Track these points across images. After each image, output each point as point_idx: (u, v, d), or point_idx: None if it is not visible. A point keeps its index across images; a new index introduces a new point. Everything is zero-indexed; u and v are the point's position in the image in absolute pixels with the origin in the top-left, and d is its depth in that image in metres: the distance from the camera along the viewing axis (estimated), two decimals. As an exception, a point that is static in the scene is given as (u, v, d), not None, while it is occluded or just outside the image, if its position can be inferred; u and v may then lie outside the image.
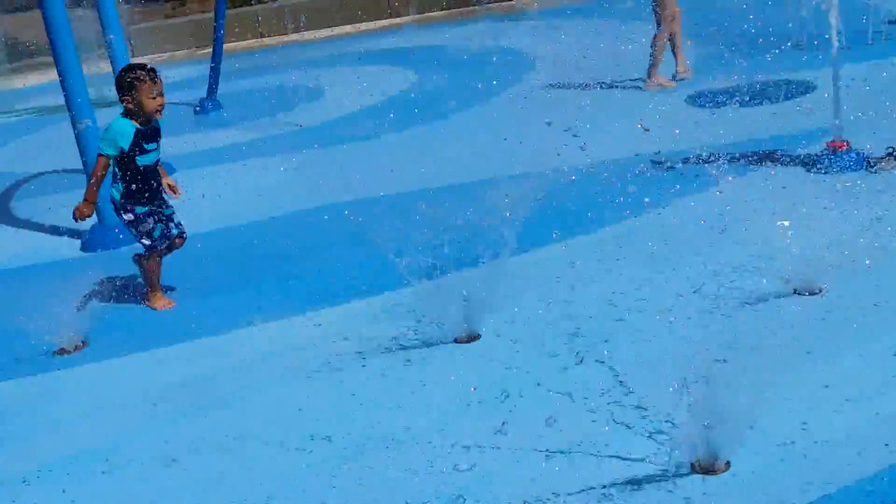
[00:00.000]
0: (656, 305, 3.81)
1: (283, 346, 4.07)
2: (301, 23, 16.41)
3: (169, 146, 7.89)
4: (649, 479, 2.75)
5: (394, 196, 5.51)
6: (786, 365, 3.07)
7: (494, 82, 9.17)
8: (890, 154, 4.96)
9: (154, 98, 4.39)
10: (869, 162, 4.99)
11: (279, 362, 3.92)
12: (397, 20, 16.71)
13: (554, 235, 4.65)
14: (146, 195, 4.53)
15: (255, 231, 5.78)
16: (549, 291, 4.15)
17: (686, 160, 5.49)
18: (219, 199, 6.46)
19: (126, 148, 4.40)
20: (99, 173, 4.45)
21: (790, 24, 7.66)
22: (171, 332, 4.37)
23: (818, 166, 5.06)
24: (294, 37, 16.41)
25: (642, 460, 2.83)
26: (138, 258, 4.68)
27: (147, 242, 4.56)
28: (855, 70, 6.25)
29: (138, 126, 4.43)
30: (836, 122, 5.15)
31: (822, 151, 5.14)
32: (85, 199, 4.53)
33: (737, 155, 5.37)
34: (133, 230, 4.57)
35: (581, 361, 3.50)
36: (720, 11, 9.12)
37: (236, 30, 16.02)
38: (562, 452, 2.94)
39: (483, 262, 4.18)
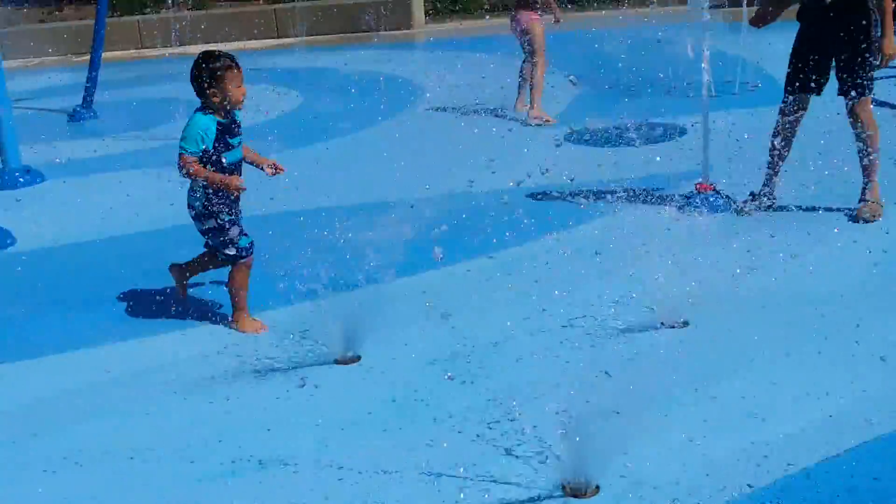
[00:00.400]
0: (534, 334, 3.92)
1: (159, 363, 3.96)
2: (186, 36, 16.07)
3: (40, 154, 7.64)
4: (522, 501, 2.82)
5: (273, 215, 5.46)
6: (654, 393, 3.22)
7: (381, 107, 9.27)
8: (752, 197, 5.28)
9: (239, 87, 4.07)
10: (733, 204, 5.30)
11: (154, 378, 3.81)
12: (286, 40, 16.61)
13: (436, 260, 4.70)
14: (231, 198, 4.13)
15: (132, 244, 5.59)
16: (430, 315, 4.19)
17: (564, 196, 5.69)
18: (91, 211, 6.23)
19: (210, 147, 4.04)
20: (197, 168, 4.00)
21: (667, 72, 8.06)
22: (45, 345, 4.19)
23: (687, 207, 5.33)
24: (178, 50, 16.02)
25: (517, 483, 2.89)
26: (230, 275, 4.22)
27: (232, 252, 4.15)
28: (724, 117, 6.63)
29: (220, 120, 4.07)
30: (704, 165, 5.46)
31: (690, 193, 5.43)
32: (217, 182, 4.02)
33: (611, 193, 5.60)
34: (215, 239, 4.16)
35: (460, 384, 3.54)
36: (603, 57, 9.54)
37: (116, 39, 15.54)
38: (438, 475, 2.97)
39: (365, 285, 4.19)
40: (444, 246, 4.94)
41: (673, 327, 3.91)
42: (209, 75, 4.00)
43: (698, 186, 5.42)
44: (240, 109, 4.16)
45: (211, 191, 4.07)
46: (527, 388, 3.43)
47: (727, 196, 5.38)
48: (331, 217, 5.50)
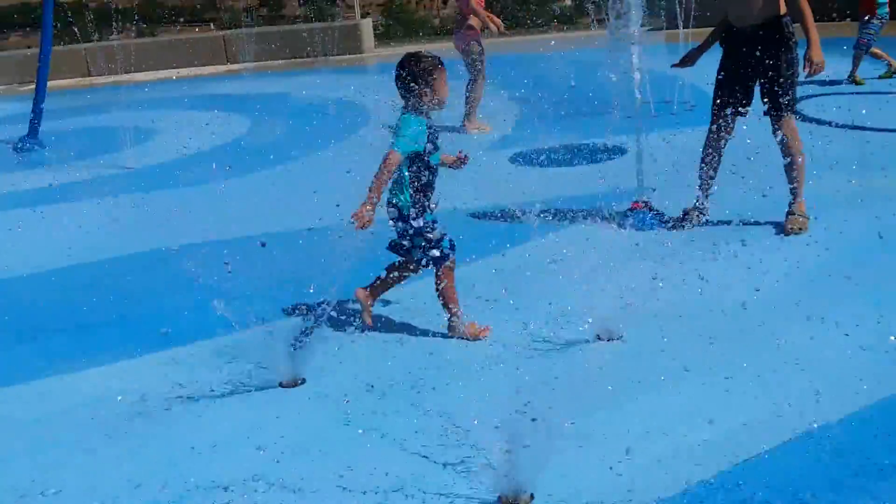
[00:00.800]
0: (470, 351, 4.03)
1: (99, 393, 3.97)
2: (134, 63, 16.06)
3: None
4: (458, 513, 2.92)
5: (217, 242, 5.52)
6: (588, 405, 3.34)
7: (330, 131, 9.39)
8: (684, 214, 5.47)
9: (445, 86, 4.08)
10: (666, 221, 5.48)
11: (89, 412, 3.80)
12: (236, 66, 16.68)
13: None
14: (431, 199, 4.11)
15: (74, 275, 5.60)
16: (372, 336, 4.28)
17: (501, 215, 5.83)
18: (37, 242, 6.23)
19: (422, 148, 4.01)
20: (390, 171, 3.97)
21: (607, 93, 8.29)
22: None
23: (622, 224, 5.50)
24: (125, 77, 16.00)
25: (454, 495, 2.99)
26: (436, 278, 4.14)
27: (437, 253, 4.08)
28: (662, 136, 6.85)
29: (427, 121, 4.06)
30: (639, 183, 5.65)
31: (626, 210, 5.61)
32: (368, 202, 3.94)
33: (547, 212, 5.75)
34: (422, 240, 4.09)
35: (401, 403, 3.63)
36: (546, 77, 9.76)
37: (63, 68, 15.45)
38: (375, 491, 3.05)
39: (309, 308, 4.27)
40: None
41: (607, 340, 4.04)
42: (421, 75, 4.00)
43: (633, 204, 5.60)
44: (442, 109, 4.18)
45: (412, 190, 4.05)
46: (465, 403, 3.52)
47: (661, 213, 5.57)
48: (278, 241, 5.60)
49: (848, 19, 11.48)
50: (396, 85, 4.11)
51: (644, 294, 4.40)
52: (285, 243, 5.35)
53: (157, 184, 7.93)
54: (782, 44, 4.95)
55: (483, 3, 8.93)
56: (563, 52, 11.08)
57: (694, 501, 2.86)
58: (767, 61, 4.96)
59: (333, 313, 4.23)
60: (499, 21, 9.12)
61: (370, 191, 3.95)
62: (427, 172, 4.07)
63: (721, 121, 5.25)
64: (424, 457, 3.24)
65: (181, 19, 32.05)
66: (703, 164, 5.37)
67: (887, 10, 9.55)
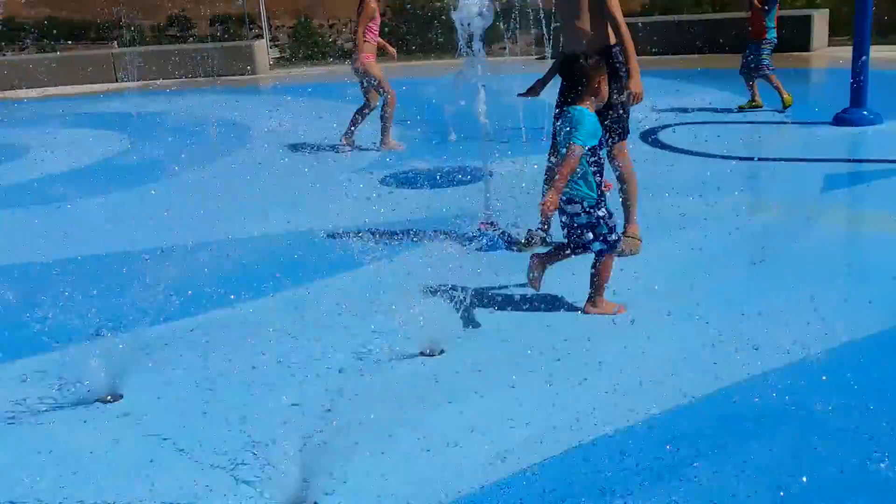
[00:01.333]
0: (294, 369, 4.07)
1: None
2: (24, 79, 15.69)
3: None
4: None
5: (63, 261, 5.47)
6: (394, 419, 3.45)
7: (208, 151, 9.37)
8: (529, 234, 5.65)
9: (607, 85, 4.50)
10: (511, 242, 5.66)
11: None
12: (127, 84, 16.43)
13: (191, 310, 4.77)
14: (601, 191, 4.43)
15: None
16: (195, 357, 4.27)
17: (357, 235, 5.92)
18: None
19: (597, 142, 4.34)
20: (575, 164, 4.27)
21: (474, 119, 8.51)
22: None
23: (470, 244, 5.65)
24: (9, 94, 15.61)
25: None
26: (599, 261, 4.47)
27: (615, 237, 4.44)
28: (523, 161, 7.06)
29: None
30: (485, 205, 5.83)
31: (475, 231, 5.76)
32: (557, 192, 4.28)
33: (397, 233, 5.89)
34: (605, 227, 4.40)
35: (214, 420, 3.65)
36: (421, 104, 9.95)
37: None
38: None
39: (134, 326, 4.27)
40: (234, 286, 5.10)
41: (431, 355, 4.15)
42: (594, 68, 4.38)
43: (481, 225, 5.77)
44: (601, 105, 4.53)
45: (593, 180, 4.36)
46: (272, 413, 3.57)
47: (507, 233, 5.74)
48: (128, 260, 5.57)
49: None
50: (567, 80, 4.55)
51: (475, 310, 4.58)
52: (126, 264, 5.34)
53: (19, 201, 7.80)
54: (612, 73, 5.16)
55: (377, 33, 9.24)
56: (441, 77, 11.32)
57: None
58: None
59: (161, 331, 4.23)
60: (392, 50, 9.58)
61: (557, 182, 4.27)
62: (600, 163, 4.43)
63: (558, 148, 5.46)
64: (225, 471, 3.27)
65: (82, 36, 31.35)
66: (544, 189, 5.55)
67: (776, 33, 10.01)
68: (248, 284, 5.04)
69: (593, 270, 4.50)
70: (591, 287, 4.53)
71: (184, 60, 16.51)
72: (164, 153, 9.38)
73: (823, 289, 4.59)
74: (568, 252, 4.59)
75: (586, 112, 4.37)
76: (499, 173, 6.00)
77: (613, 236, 4.45)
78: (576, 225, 4.45)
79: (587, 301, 4.54)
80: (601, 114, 5.13)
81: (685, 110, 10.41)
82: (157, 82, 16.07)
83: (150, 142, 10.25)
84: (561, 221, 4.57)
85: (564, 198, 4.39)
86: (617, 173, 5.41)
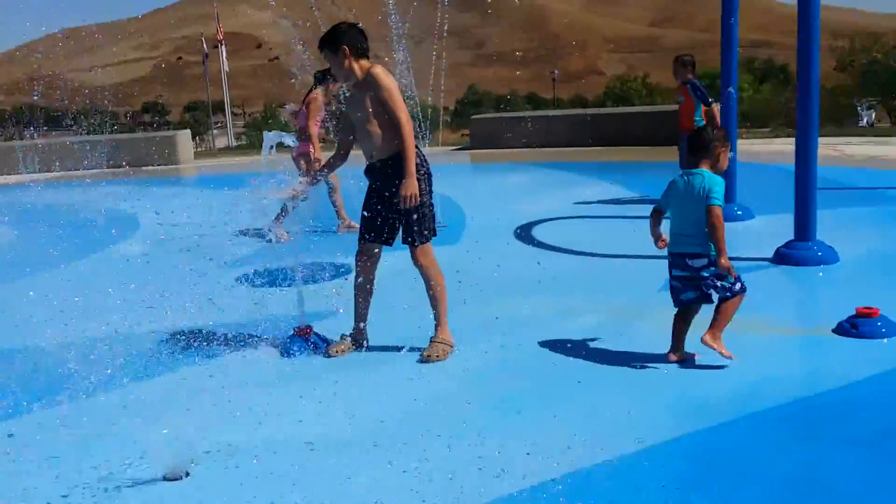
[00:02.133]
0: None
1: None
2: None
3: None
4: None
5: None
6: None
7: (87, 245, 9.23)
8: (342, 339, 5.47)
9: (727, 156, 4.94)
10: (325, 347, 5.48)
11: None
12: (36, 176, 16.36)
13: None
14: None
15: None
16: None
17: (172, 336, 5.73)
18: None
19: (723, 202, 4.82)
20: (723, 224, 4.72)
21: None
22: None
23: (284, 350, 5.46)
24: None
25: None
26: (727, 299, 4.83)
27: (738, 287, 4.84)
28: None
29: None
30: (301, 310, 5.68)
31: (290, 336, 5.58)
32: (725, 256, 4.73)
33: (207, 337, 5.71)
34: (731, 277, 4.79)
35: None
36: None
37: None
38: None
39: None
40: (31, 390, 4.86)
41: (175, 480, 3.91)
42: (713, 143, 4.86)
43: (296, 330, 5.59)
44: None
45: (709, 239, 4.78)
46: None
47: (323, 338, 5.56)
48: None
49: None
50: (694, 151, 4.94)
51: (241, 427, 4.36)
52: None
53: None
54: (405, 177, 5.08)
55: (320, 125, 9.41)
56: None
57: None
58: (394, 194, 5.09)
59: None
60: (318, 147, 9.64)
61: (720, 244, 4.71)
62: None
63: (367, 248, 5.34)
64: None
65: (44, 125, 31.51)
66: (356, 291, 5.41)
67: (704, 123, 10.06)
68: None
69: (721, 307, 4.85)
70: (714, 320, 4.85)
71: (110, 150, 16.51)
72: (50, 246, 9.21)
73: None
74: (695, 308, 4.98)
75: (714, 176, 4.84)
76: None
77: (738, 285, 4.84)
78: (704, 276, 4.83)
79: (708, 330, 4.82)
80: (405, 213, 5.05)
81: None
82: (85, 172, 16.03)
83: (37, 234, 10.12)
84: (675, 279, 4.95)
85: (687, 254, 4.84)
86: (422, 276, 5.28)
